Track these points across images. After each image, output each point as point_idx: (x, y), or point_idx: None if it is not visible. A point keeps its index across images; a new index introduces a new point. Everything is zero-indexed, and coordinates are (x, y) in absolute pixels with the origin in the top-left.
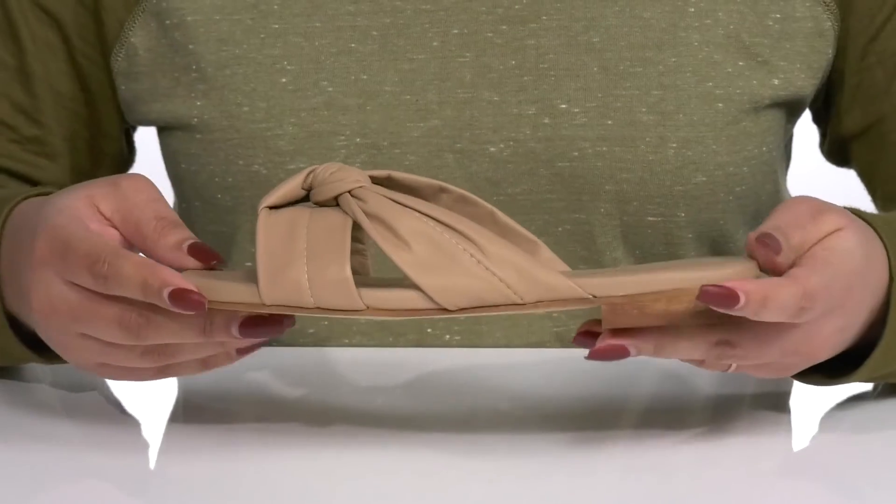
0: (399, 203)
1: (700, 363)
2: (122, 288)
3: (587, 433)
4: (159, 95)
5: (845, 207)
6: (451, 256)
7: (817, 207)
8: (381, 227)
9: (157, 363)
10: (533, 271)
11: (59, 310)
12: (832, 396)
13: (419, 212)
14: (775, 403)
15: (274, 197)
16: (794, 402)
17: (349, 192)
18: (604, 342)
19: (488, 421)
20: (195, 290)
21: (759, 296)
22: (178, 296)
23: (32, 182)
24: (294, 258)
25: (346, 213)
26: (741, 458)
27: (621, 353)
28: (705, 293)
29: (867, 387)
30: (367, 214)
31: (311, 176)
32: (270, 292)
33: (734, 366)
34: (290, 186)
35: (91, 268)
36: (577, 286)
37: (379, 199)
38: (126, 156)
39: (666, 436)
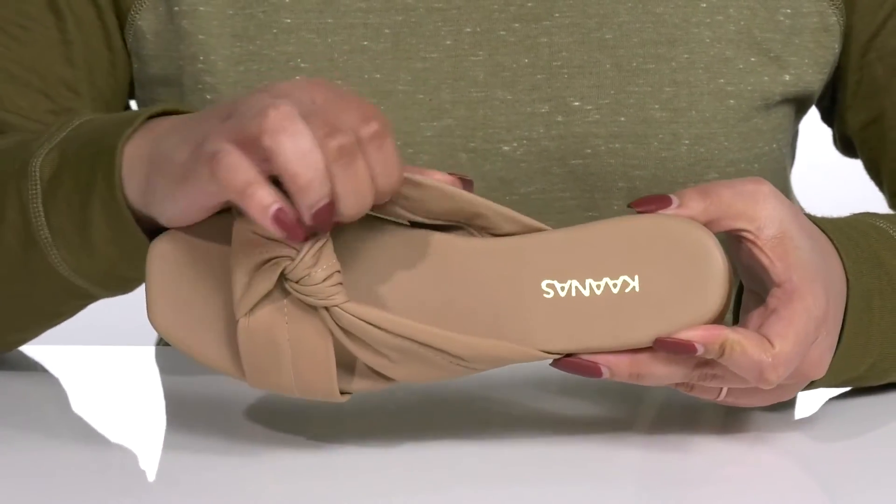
0: (370, 323)
1: (689, 389)
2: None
3: (600, 438)
4: (167, 83)
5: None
6: (423, 360)
7: (765, 193)
8: (357, 341)
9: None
10: (501, 353)
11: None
12: (843, 399)
13: (388, 331)
14: (786, 405)
15: (248, 304)
16: (804, 404)
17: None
18: (579, 356)
19: (501, 426)
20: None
21: (716, 344)
22: None
23: None
24: (280, 371)
25: (325, 325)
26: (754, 461)
27: (593, 372)
28: (661, 344)
29: (878, 388)
30: (343, 330)
31: (285, 270)
32: (255, 385)
33: (724, 391)
34: (264, 284)
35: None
36: (543, 354)
37: (351, 320)
38: None
39: (679, 438)
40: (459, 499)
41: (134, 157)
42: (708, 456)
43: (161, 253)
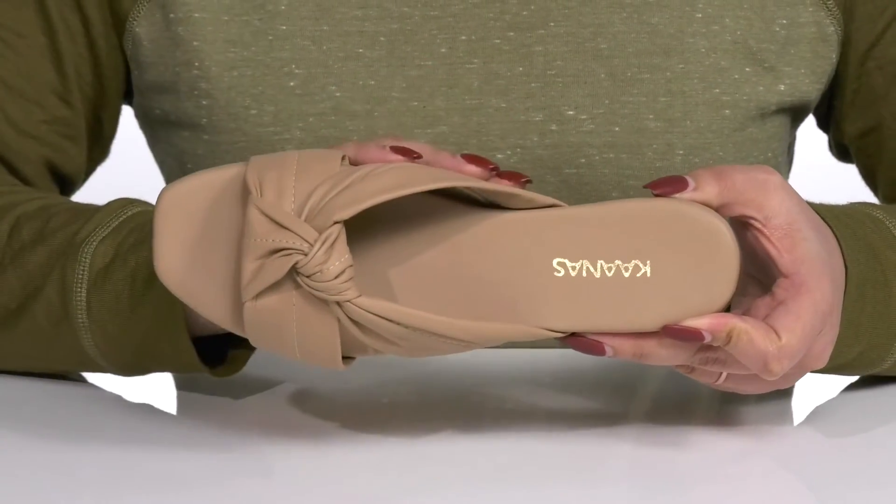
0: (379, 316)
1: (689, 372)
2: None
3: (592, 432)
4: (164, 90)
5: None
6: (432, 345)
7: (776, 184)
8: (367, 331)
9: None
10: (508, 335)
11: None
12: (838, 396)
13: (399, 323)
14: (780, 396)
15: (255, 290)
16: (800, 399)
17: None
18: (585, 335)
19: (493, 420)
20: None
21: (723, 333)
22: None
23: (51, 169)
24: (284, 345)
25: (333, 315)
26: (747, 456)
27: (596, 350)
28: (668, 331)
29: (873, 380)
30: (353, 322)
31: (297, 264)
32: (256, 346)
33: (723, 376)
34: (273, 275)
35: None
36: (552, 331)
37: (363, 314)
38: (109, 140)
39: (672, 433)
40: (452, 493)
41: None
42: (701, 451)
43: (170, 203)
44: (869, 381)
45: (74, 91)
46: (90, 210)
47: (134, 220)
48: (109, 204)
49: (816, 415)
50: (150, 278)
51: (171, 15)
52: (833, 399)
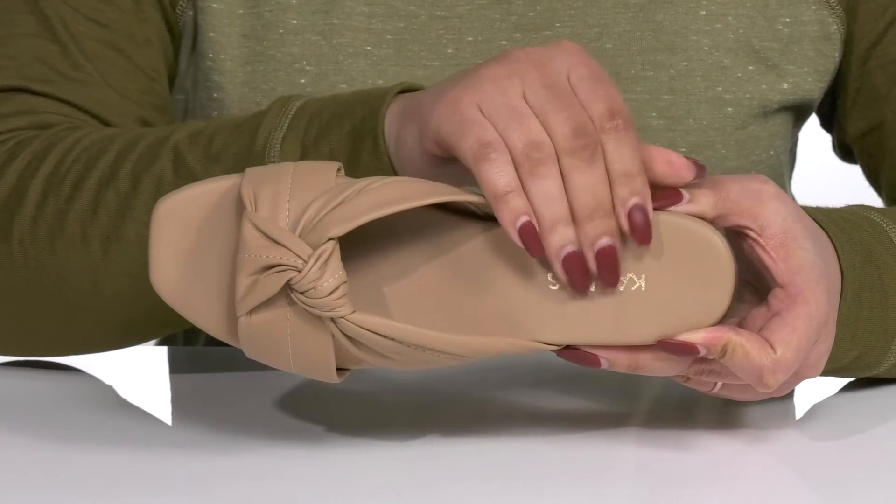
0: (373, 332)
1: (685, 381)
2: None
3: (596, 433)
4: (184, 76)
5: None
6: (426, 359)
7: (770, 193)
8: (361, 346)
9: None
10: (504, 349)
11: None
12: (840, 397)
13: (393, 339)
14: (783, 403)
15: (249, 305)
16: (801, 401)
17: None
18: (580, 347)
19: (496, 421)
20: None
21: (718, 346)
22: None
23: None
24: (279, 358)
25: (327, 330)
26: (750, 458)
27: (592, 363)
28: (664, 345)
29: (873, 380)
30: (348, 337)
31: (291, 280)
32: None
33: (719, 385)
34: (267, 291)
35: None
36: (547, 345)
37: (357, 330)
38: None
39: (675, 433)
40: (453, 494)
41: (391, 123)
42: (704, 453)
43: (167, 213)
44: (868, 381)
45: (160, 60)
46: (250, 121)
47: (305, 110)
48: (268, 109)
49: (816, 414)
50: (353, 149)
51: (198, 2)
52: (833, 398)
